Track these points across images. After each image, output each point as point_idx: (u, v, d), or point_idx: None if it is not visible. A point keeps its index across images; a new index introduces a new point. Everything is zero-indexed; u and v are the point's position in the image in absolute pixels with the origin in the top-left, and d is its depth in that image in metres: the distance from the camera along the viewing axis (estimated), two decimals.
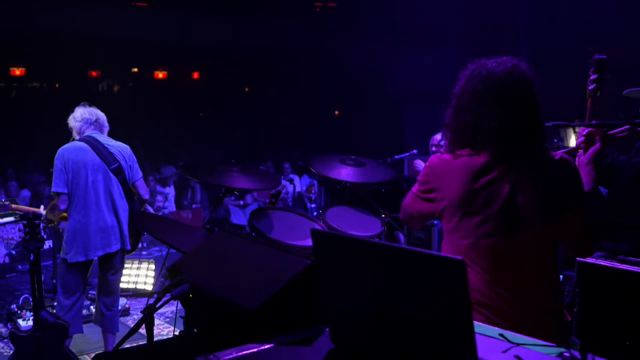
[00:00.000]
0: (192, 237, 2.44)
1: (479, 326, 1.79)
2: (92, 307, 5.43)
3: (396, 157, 6.33)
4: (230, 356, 1.56)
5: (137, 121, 12.94)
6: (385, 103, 13.06)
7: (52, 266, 5.83)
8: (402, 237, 5.59)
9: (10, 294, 5.72)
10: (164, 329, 5.38)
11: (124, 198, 4.19)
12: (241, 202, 9.10)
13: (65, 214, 4.17)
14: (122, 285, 6.01)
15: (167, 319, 5.58)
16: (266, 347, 1.62)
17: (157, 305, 2.01)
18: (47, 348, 3.58)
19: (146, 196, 4.37)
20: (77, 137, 4.23)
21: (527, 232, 1.98)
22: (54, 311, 5.34)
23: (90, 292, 5.69)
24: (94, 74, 15.59)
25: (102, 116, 4.33)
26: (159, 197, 8.54)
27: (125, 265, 6.33)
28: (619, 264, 1.90)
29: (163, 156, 12.18)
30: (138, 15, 13.38)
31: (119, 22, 12.58)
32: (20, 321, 5.10)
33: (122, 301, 5.62)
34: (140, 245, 5.62)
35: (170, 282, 2.05)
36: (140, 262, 6.40)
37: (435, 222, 5.34)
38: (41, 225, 3.64)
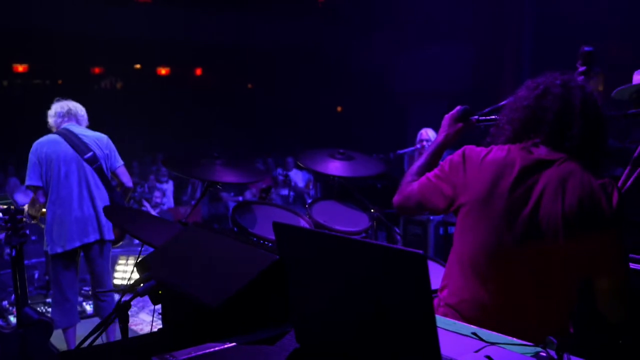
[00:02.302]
0: (166, 231, 2.36)
1: (454, 324, 1.71)
2: (84, 304, 5.38)
3: (399, 152, 6.27)
4: (189, 356, 1.49)
5: (139, 117, 12.93)
6: (388, 99, 12.97)
7: (46, 262, 5.79)
8: (397, 232, 5.52)
9: (3, 290, 5.68)
10: (157, 326, 5.32)
11: (101, 187, 4.17)
12: (240, 199, 9.03)
13: (44, 210, 4.17)
14: (117, 282, 5.98)
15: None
16: (228, 346, 1.54)
17: (122, 302, 1.94)
18: (31, 345, 3.52)
19: (129, 184, 4.34)
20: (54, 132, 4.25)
21: (543, 246, 1.81)
22: (49, 308, 5.33)
23: (84, 288, 5.65)
24: (96, 70, 15.59)
25: (74, 107, 4.30)
26: (157, 193, 8.48)
27: (120, 262, 6.30)
28: None
29: (165, 152, 12.14)
30: (141, 12, 13.34)
31: (121, 18, 12.55)
32: (11, 318, 5.06)
33: (116, 297, 5.57)
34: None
35: (138, 278, 1.98)
36: (136, 259, 6.34)
37: (432, 217, 5.26)
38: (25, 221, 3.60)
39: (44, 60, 14.15)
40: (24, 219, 4.23)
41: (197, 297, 1.69)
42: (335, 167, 3.28)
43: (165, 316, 2.35)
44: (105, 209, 2.83)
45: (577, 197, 1.79)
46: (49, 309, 5.35)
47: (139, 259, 2.13)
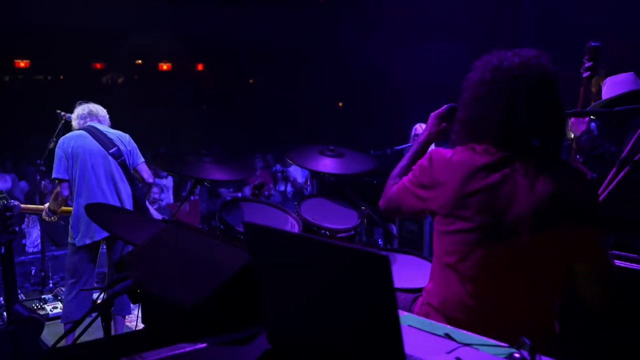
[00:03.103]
0: (151, 230, 2.35)
1: (430, 324, 1.69)
2: None
3: (396, 147, 6.25)
4: (158, 356, 1.48)
5: (140, 113, 12.91)
6: (389, 96, 12.93)
7: (41, 259, 5.80)
8: (394, 229, 5.50)
9: None
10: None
11: (125, 181, 4.27)
12: (239, 195, 9.02)
13: (65, 208, 4.27)
14: None
15: None
16: (199, 346, 1.53)
17: (99, 301, 1.93)
18: (21, 342, 3.52)
19: (150, 180, 4.44)
20: None
21: (521, 242, 1.78)
22: (45, 304, 5.35)
23: None
24: (98, 66, 15.56)
25: (95, 108, 4.45)
26: (155, 189, 8.44)
27: None
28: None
29: (166, 148, 12.13)
30: (142, 7, 13.32)
31: (122, 13, 12.53)
32: (6, 314, 5.06)
33: None
34: None
35: (116, 277, 1.97)
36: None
37: None
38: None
39: (46, 56, 14.13)
40: (45, 216, 4.34)
41: (172, 296, 1.68)
42: (325, 164, 3.26)
43: (144, 315, 2.35)
44: (87, 207, 2.82)
45: (553, 189, 1.77)
46: (45, 305, 5.38)
47: (120, 258, 2.12)
